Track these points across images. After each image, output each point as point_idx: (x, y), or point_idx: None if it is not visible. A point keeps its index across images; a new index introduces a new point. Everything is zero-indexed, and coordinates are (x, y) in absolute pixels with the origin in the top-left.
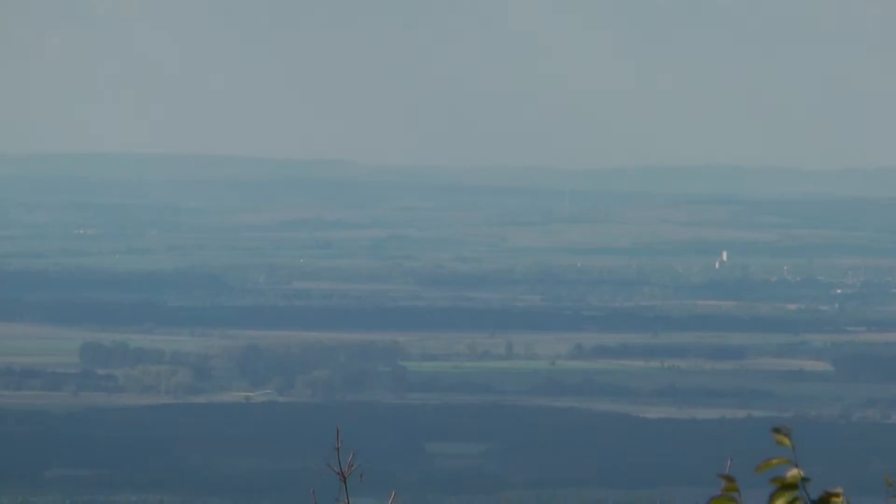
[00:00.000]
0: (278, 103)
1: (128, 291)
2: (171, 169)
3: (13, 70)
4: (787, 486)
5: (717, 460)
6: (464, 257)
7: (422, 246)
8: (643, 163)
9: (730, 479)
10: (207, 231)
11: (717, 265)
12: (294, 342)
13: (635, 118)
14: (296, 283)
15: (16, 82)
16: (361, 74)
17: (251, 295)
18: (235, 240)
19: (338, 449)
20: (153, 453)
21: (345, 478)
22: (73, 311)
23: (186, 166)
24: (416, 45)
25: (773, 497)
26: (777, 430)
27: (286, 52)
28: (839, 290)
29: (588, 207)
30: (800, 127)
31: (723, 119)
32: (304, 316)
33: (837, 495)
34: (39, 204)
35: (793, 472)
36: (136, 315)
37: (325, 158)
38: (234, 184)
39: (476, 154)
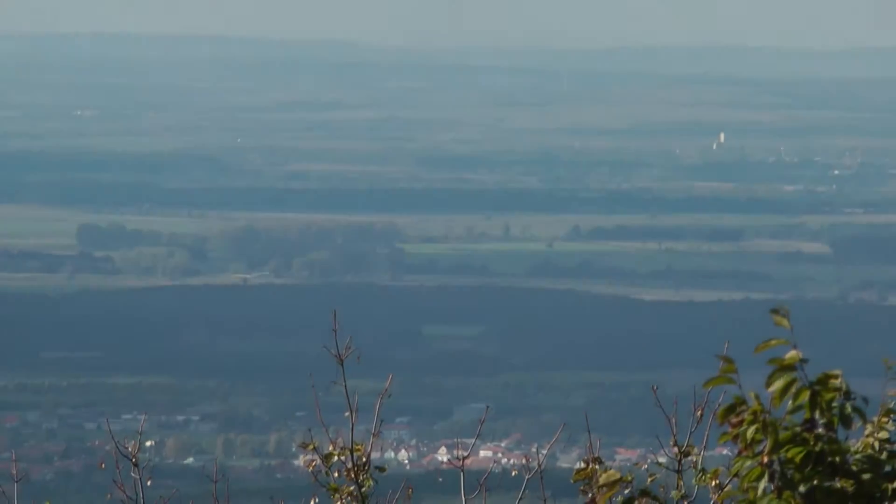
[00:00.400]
0: None
1: (125, 173)
2: (170, 49)
3: None
4: (785, 367)
5: (715, 342)
6: (462, 139)
7: (420, 127)
8: (641, 43)
9: (728, 359)
10: (205, 112)
11: (714, 146)
12: (291, 224)
13: None
14: (293, 164)
15: None
16: None
17: (249, 176)
18: (233, 121)
19: (335, 331)
20: (150, 335)
21: (342, 360)
22: (71, 192)
23: (186, 47)
24: None
25: (770, 377)
26: (775, 311)
27: None
28: (837, 172)
29: (586, 88)
30: (801, 5)
31: None
32: (301, 198)
33: (836, 377)
34: (38, 84)
35: (791, 353)
36: (134, 196)
37: (323, 39)
38: (233, 64)
39: (472, 34)
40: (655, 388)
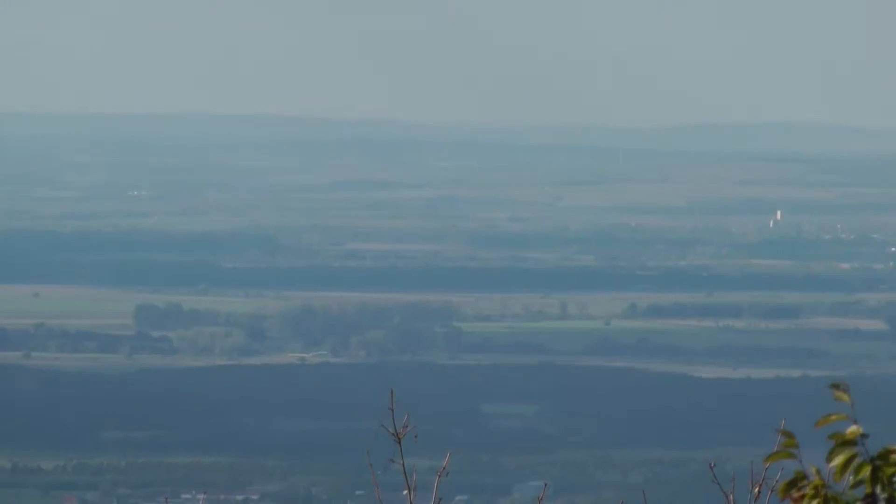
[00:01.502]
0: (331, 62)
1: (182, 253)
2: (224, 129)
3: (69, 28)
4: (845, 442)
5: (773, 419)
6: (517, 217)
7: (474, 206)
8: (697, 120)
9: (788, 434)
10: (261, 192)
11: (771, 224)
12: (348, 303)
13: (688, 75)
14: (350, 243)
15: (73, 40)
16: (413, 33)
17: (305, 256)
18: (289, 200)
19: (392, 410)
20: (207, 415)
21: (399, 439)
22: (128, 272)
23: (239, 127)
24: (462, 2)
25: (831, 452)
26: (835, 386)
27: (338, 12)
28: (894, 249)
29: (641, 166)
30: (855, 83)
31: (776, 75)
32: (358, 277)
33: None
34: (94, 165)
35: (852, 429)
36: (191, 276)
37: (377, 118)
38: (287, 144)
39: (528, 112)
40: (713, 464)
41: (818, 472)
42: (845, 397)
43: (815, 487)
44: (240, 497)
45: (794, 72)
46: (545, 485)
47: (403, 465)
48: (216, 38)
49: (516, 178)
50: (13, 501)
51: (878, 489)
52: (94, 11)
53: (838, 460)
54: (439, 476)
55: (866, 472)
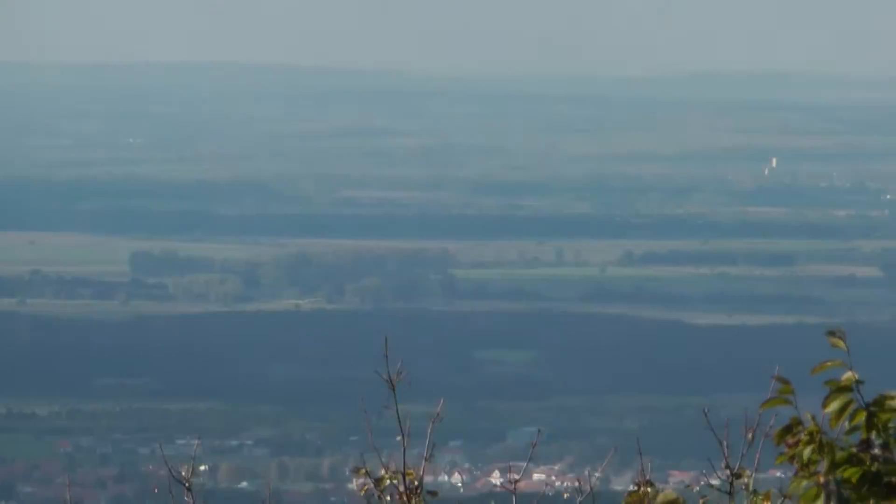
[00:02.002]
0: (326, 11)
1: (177, 200)
2: (221, 77)
3: None
4: (841, 389)
5: (768, 366)
6: (513, 165)
7: (471, 154)
8: (692, 69)
9: (784, 381)
10: (257, 140)
11: (766, 172)
12: (343, 250)
13: (683, 23)
14: (345, 191)
15: None
16: None
17: (300, 203)
18: (284, 148)
19: (386, 356)
20: (203, 362)
21: (393, 385)
22: (123, 220)
23: (236, 75)
24: None
25: (827, 399)
26: (831, 333)
27: None
28: (889, 196)
29: (637, 114)
30: (852, 31)
31: (772, 23)
32: (353, 224)
33: (892, 398)
34: (89, 113)
35: (847, 375)
36: (186, 224)
37: (374, 66)
38: (283, 93)
39: (525, 61)
40: (707, 411)
41: (813, 418)
42: (841, 344)
43: (811, 434)
44: (234, 442)
45: (791, 19)
46: (539, 431)
47: (397, 411)
48: None
49: (512, 127)
50: (7, 446)
51: (874, 435)
52: None
53: (834, 407)
54: (433, 422)
55: (861, 418)
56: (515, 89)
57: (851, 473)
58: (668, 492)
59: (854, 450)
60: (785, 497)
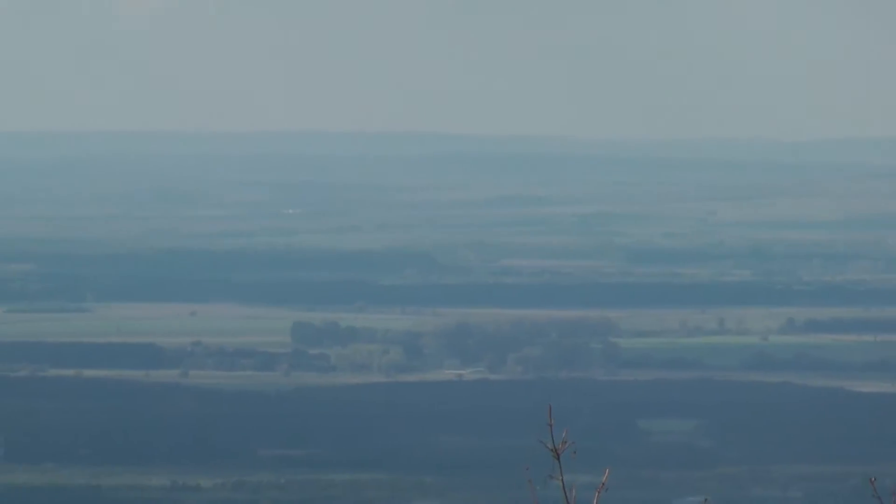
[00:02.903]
0: (482, 78)
1: (338, 270)
2: (379, 147)
3: (222, 47)
4: None
5: None
6: (672, 232)
7: (629, 222)
8: (852, 134)
9: None
10: (416, 209)
11: None
12: (505, 320)
13: (844, 89)
14: (505, 260)
15: (227, 60)
16: (565, 50)
17: (461, 273)
18: (445, 217)
19: (550, 426)
20: (366, 432)
21: (558, 454)
22: (284, 290)
23: (394, 144)
24: (626, 19)
25: None
26: None
27: (481, 28)
28: None
29: (797, 180)
30: None
31: None
32: (514, 293)
33: None
34: (249, 183)
35: None
36: (348, 294)
37: (530, 135)
38: (441, 161)
39: (679, 128)
40: (874, 479)
41: None
42: None
43: None
44: None
45: None
46: (705, 500)
47: (563, 480)
48: (373, 55)
49: (669, 194)
50: None
51: None
52: (248, 32)
53: None
54: (598, 492)
55: None
56: (670, 155)
57: None
58: None
59: None
60: None
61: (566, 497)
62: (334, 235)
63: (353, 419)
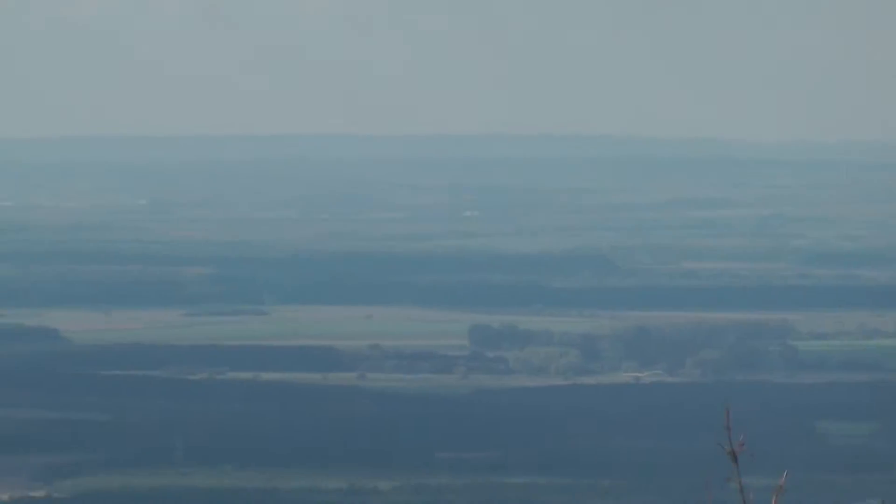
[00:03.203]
0: (650, 82)
1: (515, 273)
2: (554, 149)
3: (396, 49)
4: None
5: None
6: (848, 235)
7: (806, 224)
8: None
9: None
10: (593, 211)
11: None
12: (682, 322)
13: None
14: (682, 262)
15: (402, 61)
16: (733, 51)
17: (638, 275)
18: (620, 219)
19: (728, 428)
20: (543, 435)
21: (736, 457)
22: (461, 293)
23: (570, 147)
24: (776, 18)
25: None
26: None
27: (655, 30)
28: None
29: None
30: None
31: None
32: (691, 296)
33: None
34: (425, 186)
35: None
36: (524, 297)
37: (707, 136)
38: (616, 163)
39: (853, 130)
40: None
41: None
42: None
43: None
44: None
45: None
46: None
47: (740, 483)
48: (551, 57)
49: (845, 196)
50: None
51: None
52: (422, 36)
53: None
54: (776, 495)
55: None
56: (846, 158)
57: None
58: None
59: None
60: None
61: (744, 500)
62: (512, 238)
63: (531, 422)
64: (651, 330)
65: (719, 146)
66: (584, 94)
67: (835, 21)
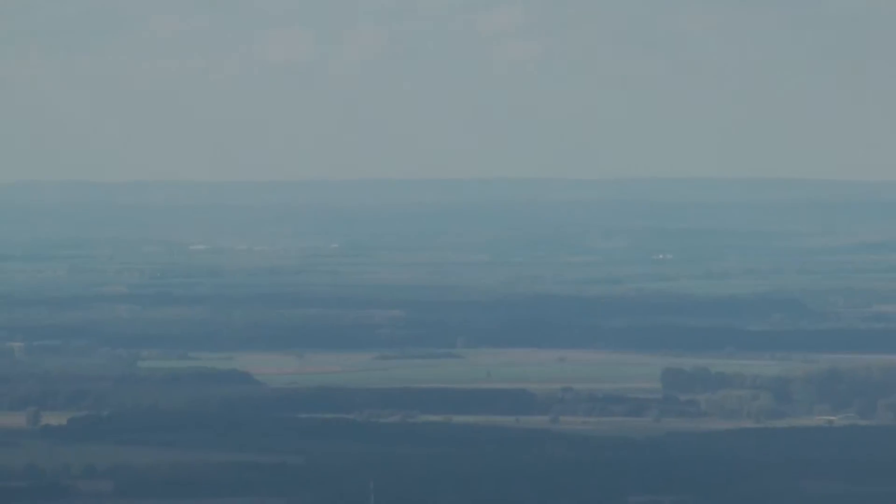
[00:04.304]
0: (852, 126)
1: (707, 316)
2: (744, 193)
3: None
4: None
5: None
6: None
7: None
8: None
9: None
10: (784, 255)
11: None
12: (875, 366)
13: None
14: (874, 305)
15: (607, 106)
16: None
17: (830, 318)
18: (812, 263)
19: None
20: (735, 478)
21: None
22: (654, 336)
23: (755, 190)
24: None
25: None
26: None
27: (854, 75)
28: None
29: None
30: None
31: None
32: (883, 338)
33: None
34: (618, 229)
35: None
36: (717, 340)
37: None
38: (807, 206)
39: None
40: None
41: None
42: None
43: None
44: None
45: None
46: None
47: None
48: (750, 102)
49: None
50: None
51: None
52: (635, 80)
53: None
54: None
55: None
56: None
57: None
58: None
59: None
60: None
61: None
62: (702, 281)
63: (723, 465)
64: (843, 373)
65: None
66: (778, 139)
67: None
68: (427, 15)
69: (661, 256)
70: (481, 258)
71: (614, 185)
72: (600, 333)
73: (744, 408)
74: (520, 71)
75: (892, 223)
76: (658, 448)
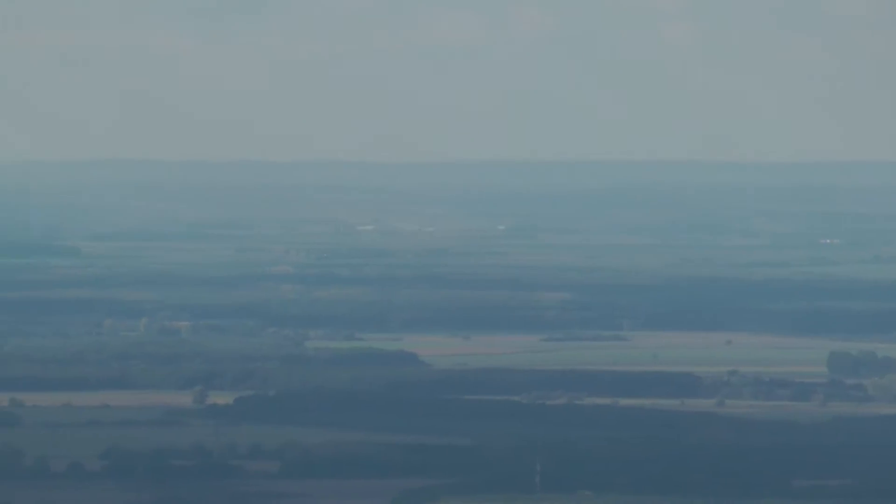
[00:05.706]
0: None
1: (875, 300)
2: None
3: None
4: None
5: None
6: None
7: None
8: None
9: None
10: None
11: None
12: None
13: None
14: None
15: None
16: None
17: None
18: None
19: None
20: None
21: None
22: (820, 320)
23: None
24: None
25: None
26: None
27: None
28: None
29: None
30: None
31: None
32: None
33: None
34: (783, 213)
35: None
36: (883, 324)
37: None
38: None
39: None
40: None
41: None
42: None
43: None
44: None
45: None
46: None
47: None
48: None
49: None
50: None
51: None
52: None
53: None
54: None
55: None
56: None
57: None
58: None
59: None
60: None
61: None
62: (870, 265)
63: (890, 450)
64: None
65: None
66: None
67: None
68: None
69: (828, 241)
70: (647, 241)
71: (777, 169)
72: (767, 317)
73: None
74: (674, 52)
75: None
76: (823, 432)
